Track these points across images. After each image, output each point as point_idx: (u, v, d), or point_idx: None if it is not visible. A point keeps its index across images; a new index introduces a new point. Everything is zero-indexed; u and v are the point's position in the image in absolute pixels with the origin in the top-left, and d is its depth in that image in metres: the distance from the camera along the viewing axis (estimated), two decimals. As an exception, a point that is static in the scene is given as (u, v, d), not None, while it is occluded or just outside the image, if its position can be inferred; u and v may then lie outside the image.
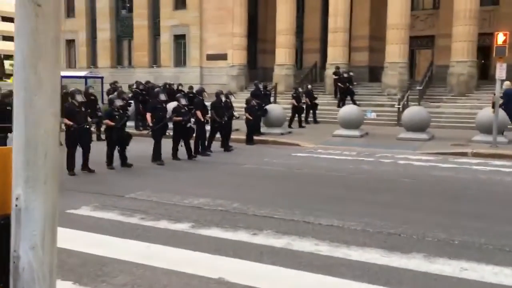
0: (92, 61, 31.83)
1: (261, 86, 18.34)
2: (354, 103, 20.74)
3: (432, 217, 6.70)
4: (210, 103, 13.06)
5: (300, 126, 18.65)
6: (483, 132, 14.14)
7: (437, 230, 6.05)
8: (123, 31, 30.95)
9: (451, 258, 5.07)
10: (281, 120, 16.61)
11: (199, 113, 12.16)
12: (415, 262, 4.97)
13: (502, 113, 13.87)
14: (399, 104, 19.23)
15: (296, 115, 18.86)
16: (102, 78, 23.34)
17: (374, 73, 24.69)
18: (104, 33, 30.97)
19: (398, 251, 5.29)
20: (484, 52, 24.03)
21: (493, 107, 13.42)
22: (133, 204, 7.36)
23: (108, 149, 10.38)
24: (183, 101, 11.79)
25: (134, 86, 18.40)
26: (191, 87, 19.42)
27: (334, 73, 22.36)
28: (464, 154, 12.56)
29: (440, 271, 4.73)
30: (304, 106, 19.37)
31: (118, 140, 10.27)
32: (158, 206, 7.25)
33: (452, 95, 21.24)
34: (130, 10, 30.25)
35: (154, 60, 29.98)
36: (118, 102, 10.63)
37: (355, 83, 22.04)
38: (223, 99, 13.29)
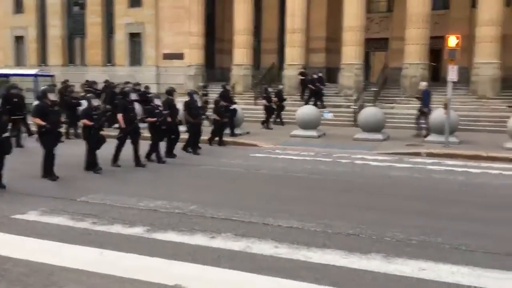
0: (43, 59, 30.61)
1: (228, 87, 17.86)
2: (323, 105, 20.92)
3: (390, 217, 6.74)
4: (182, 103, 12.61)
5: (268, 127, 18.52)
6: (436, 132, 14.51)
7: (395, 230, 6.07)
8: (75, 28, 29.91)
9: (410, 258, 5.09)
10: (240, 121, 16.47)
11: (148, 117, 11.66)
12: (375, 263, 4.95)
13: (454, 114, 14.28)
14: (355, 105, 19.50)
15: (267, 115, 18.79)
16: (53, 76, 22.47)
17: (331, 74, 24.96)
18: (55, 30, 29.86)
19: (357, 252, 5.26)
20: (435, 55, 24.79)
21: (445, 108, 13.79)
22: (85, 207, 7.02)
23: (89, 151, 9.77)
24: (157, 101, 11.29)
25: (87, 86, 17.79)
26: (147, 87, 18.99)
27: (301, 74, 22.37)
28: (418, 154, 12.83)
29: (399, 272, 4.73)
30: (275, 107, 19.26)
31: (97, 141, 9.68)
32: (111, 210, 6.94)
33: (406, 96, 21.74)
34: (83, 7, 29.30)
35: (108, 58, 29.15)
36: (95, 102, 9.97)
37: (326, 84, 22.02)
38: (196, 98, 12.96)
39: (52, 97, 9.36)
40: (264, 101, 18.68)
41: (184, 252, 5.21)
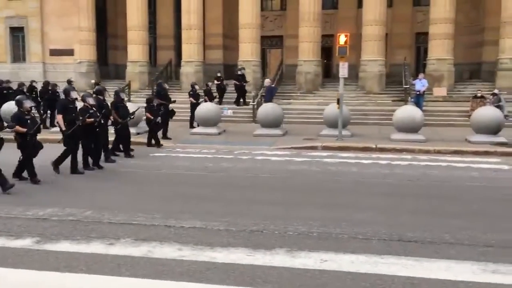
0: None
1: (166, 85, 16.66)
2: (245, 102, 20.78)
3: (291, 211, 6.86)
4: (110, 103, 11.47)
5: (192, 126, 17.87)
6: (330, 126, 15.18)
7: (297, 223, 6.19)
8: None
9: (312, 251, 5.20)
10: (138, 120, 15.83)
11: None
12: (279, 258, 4.98)
13: (345, 109, 15.03)
14: (253, 101, 19.77)
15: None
16: None
17: (228, 71, 25.10)
18: None
19: (262, 248, 5.26)
20: (327, 52, 26.01)
21: (338, 103, 14.46)
22: (-39, 221, 6.26)
23: (25, 159, 8.66)
24: (91, 101, 10.10)
25: None
26: (46, 83, 17.71)
27: (216, 79, 21.43)
28: (315, 148, 13.32)
29: (303, 265, 4.80)
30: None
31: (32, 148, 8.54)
32: (-7, 221, 6.26)
33: (301, 92, 22.54)
34: (-46, -3, 26.41)
35: (-13, 54, 26.64)
36: (28, 104, 8.60)
37: (248, 81, 21.75)
38: (123, 97, 12.04)
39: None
40: (191, 99, 17.74)
41: (79, 263, 4.83)
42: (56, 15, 25.33)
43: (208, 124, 15.81)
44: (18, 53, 26.20)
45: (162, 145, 13.49)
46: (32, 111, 8.82)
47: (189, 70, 23.53)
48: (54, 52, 25.54)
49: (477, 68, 23.44)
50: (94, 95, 10.90)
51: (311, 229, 5.96)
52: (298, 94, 22.41)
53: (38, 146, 8.68)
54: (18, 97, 9.00)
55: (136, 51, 24.12)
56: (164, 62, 26.14)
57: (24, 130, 8.29)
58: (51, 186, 8.56)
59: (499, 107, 16.60)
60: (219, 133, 15.88)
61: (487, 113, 14.05)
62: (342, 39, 14.61)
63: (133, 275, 4.55)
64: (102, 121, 10.45)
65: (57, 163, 9.56)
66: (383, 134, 15.10)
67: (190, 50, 23.52)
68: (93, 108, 10.07)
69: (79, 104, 10.20)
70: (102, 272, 4.60)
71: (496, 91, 18.91)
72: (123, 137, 11.77)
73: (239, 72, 21.47)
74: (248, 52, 22.78)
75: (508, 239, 5.60)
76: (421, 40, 25.09)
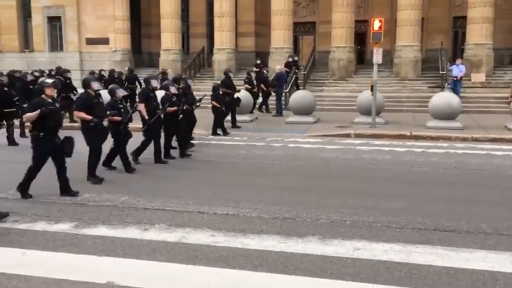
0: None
1: (231, 74, 16.03)
2: (298, 88, 20.67)
3: (324, 199, 6.83)
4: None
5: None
6: (363, 114, 14.96)
7: (330, 211, 6.15)
8: (-14, 12, 27.74)
9: (345, 239, 5.17)
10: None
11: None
12: (311, 246, 4.98)
13: (379, 95, 14.77)
14: (286, 89, 19.63)
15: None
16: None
17: (261, 59, 24.97)
18: (-36, 13, 27.53)
19: (294, 236, 5.26)
20: (360, 38, 25.54)
21: (372, 90, 14.22)
22: (4, 205, 6.50)
23: (116, 149, 8.58)
24: (173, 89, 9.77)
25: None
26: (112, 71, 18.29)
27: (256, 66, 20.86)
28: (347, 136, 13.17)
29: (335, 253, 4.78)
30: (260, 93, 18.53)
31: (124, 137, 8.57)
32: (34, 206, 6.48)
33: (334, 79, 22.26)
34: (-6, -11, 27.19)
35: (26, 44, 27.37)
36: (120, 93, 8.59)
37: (301, 67, 21.57)
38: (190, 84, 11.63)
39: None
40: (246, 86, 17.78)
41: (115, 247, 4.96)
42: (91, 4, 25.72)
43: (240, 111, 15.78)
44: (56, 42, 26.78)
45: (229, 133, 13.39)
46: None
47: (221, 58, 23.55)
48: (90, 41, 25.99)
49: (517, 53, 22.58)
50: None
51: (343, 217, 5.92)
52: (331, 81, 22.14)
53: (128, 135, 8.64)
54: (111, 86, 8.92)
55: (169, 39, 24.30)
56: (196, 50, 26.25)
57: (119, 118, 8.30)
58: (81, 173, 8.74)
59: (541, 93, 15.98)
60: (251, 120, 15.90)
61: (528, 99, 13.52)
62: (376, 24, 14.32)
63: (168, 260, 4.64)
64: (185, 108, 10.27)
65: (137, 154, 9.39)
66: (419, 122, 14.78)
67: (222, 37, 23.52)
68: (175, 96, 9.80)
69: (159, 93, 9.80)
70: (138, 257, 4.70)
71: (538, 76, 18.20)
72: (190, 124, 11.35)
73: (290, 59, 20.95)
74: (280, 39, 22.61)
75: (549, 230, 5.42)
76: (459, 24, 24.30)
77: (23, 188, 6.89)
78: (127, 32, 25.47)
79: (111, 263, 4.58)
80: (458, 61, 19.25)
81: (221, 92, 13.24)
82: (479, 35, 20.43)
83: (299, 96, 15.77)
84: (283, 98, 18.00)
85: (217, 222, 5.77)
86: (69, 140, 6.91)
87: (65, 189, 7.00)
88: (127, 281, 4.16)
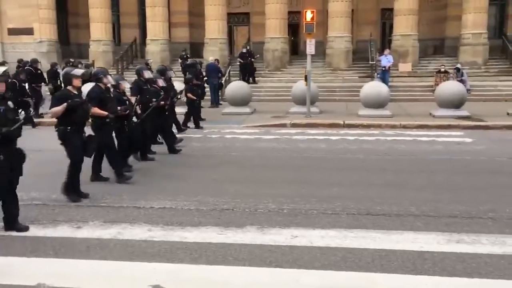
0: None
1: (198, 67, 15.44)
2: (254, 80, 20.36)
3: (262, 188, 6.88)
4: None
5: None
6: (298, 103, 15.22)
7: (267, 200, 6.22)
8: None
9: (283, 227, 5.24)
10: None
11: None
12: (250, 236, 5.01)
13: (313, 86, 15.07)
14: (221, 80, 19.57)
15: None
16: None
17: (195, 49, 24.72)
18: None
19: (233, 226, 5.27)
20: (294, 29, 25.91)
21: (306, 80, 14.48)
22: None
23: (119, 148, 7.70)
24: (161, 83, 9.30)
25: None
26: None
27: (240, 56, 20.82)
28: (283, 125, 13.35)
29: (274, 241, 4.84)
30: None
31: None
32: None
33: (269, 70, 22.47)
34: None
35: None
36: (125, 84, 8.01)
37: (256, 56, 21.41)
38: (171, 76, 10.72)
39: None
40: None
41: (46, 247, 4.73)
42: (13, -8, 24.28)
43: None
44: (-26, 33, 25.08)
45: (202, 127, 12.83)
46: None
47: (155, 49, 23.07)
48: (13, 31, 24.54)
49: (440, 43, 23.85)
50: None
51: (281, 206, 6.00)
52: (266, 72, 22.32)
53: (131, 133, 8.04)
54: (115, 77, 8.12)
55: (99, 29, 23.45)
56: (128, 41, 25.48)
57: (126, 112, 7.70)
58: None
59: (462, 81, 17.01)
60: (187, 112, 15.68)
61: (450, 87, 14.34)
62: (308, 15, 14.55)
63: (103, 258, 4.49)
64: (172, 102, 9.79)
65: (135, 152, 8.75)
66: (351, 110, 15.26)
67: (155, 28, 23.02)
68: (162, 90, 9.26)
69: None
70: (70, 256, 4.52)
71: (458, 65, 19.34)
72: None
73: (244, 50, 20.89)
74: (214, 29, 22.48)
75: (471, 210, 5.79)
76: (386, 16, 25.28)
77: (68, 189, 6.37)
78: (53, 22, 24.30)
79: (42, 263, 4.37)
80: (386, 51, 20.04)
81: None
82: (405, 27, 21.36)
83: (235, 87, 15.78)
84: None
85: (154, 217, 5.66)
86: (92, 139, 6.49)
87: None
88: (59, 281, 3.98)
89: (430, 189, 6.80)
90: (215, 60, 18.69)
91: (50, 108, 6.22)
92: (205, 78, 17.18)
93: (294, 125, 13.31)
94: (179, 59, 20.27)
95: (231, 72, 20.81)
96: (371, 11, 25.56)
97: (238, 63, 20.94)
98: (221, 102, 17.88)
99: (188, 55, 21.04)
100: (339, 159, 9.07)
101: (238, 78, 19.81)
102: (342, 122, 13.34)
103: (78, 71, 6.57)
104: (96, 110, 6.98)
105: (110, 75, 7.61)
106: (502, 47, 22.13)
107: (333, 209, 5.88)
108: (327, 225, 5.29)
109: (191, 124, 12.72)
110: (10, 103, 5.16)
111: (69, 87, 6.31)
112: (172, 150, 9.60)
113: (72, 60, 18.62)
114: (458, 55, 21.41)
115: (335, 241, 4.82)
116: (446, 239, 4.84)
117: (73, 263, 4.38)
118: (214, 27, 22.45)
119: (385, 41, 25.09)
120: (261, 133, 12.24)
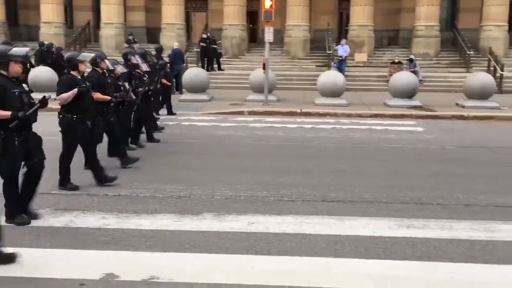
0: None
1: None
2: (219, 67, 20.04)
3: (218, 176, 6.86)
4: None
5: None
6: (256, 91, 15.23)
7: (224, 188, 6.21)
8: None
9: (239, 214, 5.26)
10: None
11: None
12: (206, 223, 4.99)
13: (271, 74, 15.10)
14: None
15: None
16: None
17: (152, 34, 24.23)
18: None
19: (189, 214, 5.24)
20: (252, 17, 25.81)
21: (264, 68, 14.50)
22: None
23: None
24: (145, 67, 9.00)
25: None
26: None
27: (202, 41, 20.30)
28: (241, 113, 13.34)
29: (230, 228, 4.85)
30: None
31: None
32: None
33: (227, 57, 22.34)
34: None
35: None
36: (120, 68, 7.82)
37: (218, 42, 20.97)
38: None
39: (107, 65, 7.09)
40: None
41: (-7, 237, 4.53)
42: (-45, -32, 22.94)
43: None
44: None
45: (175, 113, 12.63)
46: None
47: (109, 33, 22.46)
48: (-44, 11, 23.25)
49: (395, 34, 24.39)
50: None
51: (238, 193, 6.01)
52: (224, 59, 22.17)
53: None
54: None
55: (50, 10, 22.56)
56: (81, 24, 24.65)
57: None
58: None
59: (414, 72, 17.49)
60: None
61: (403, 78, 14.74)
62: (267, 2, 14.53)
63: (53, 246, 4.36)
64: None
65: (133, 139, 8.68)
66: (308, 99, 15.42)
67: (110, 11, 22.38)
68: (146, 75, 8.99)
69: None
70: (20, 245, 4.35)
71: (412, 57, 19.87)
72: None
73: (204, 36, 20.27)
74: (171, 14, 22.10)
75: (421, 196, 6.00)
76: (343, 6, 25.56)
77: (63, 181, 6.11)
78: (1, 2, 23.15)
79: (-11, 254, 4.19)
80: (343, 41, 20.34)
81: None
82: (361, 17, 21.72)
83: (192, 74, 15.60)
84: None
85: (108, 204, 5.54)
86: (99, 124, 6.29)
87: (101, 177, 6.26)
88: (7, 271, 3.84)
89: (383, 177, 6.99)
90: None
91: (57, 95, 5.90)
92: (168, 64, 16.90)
93: (251, 113, 13.32)
94: (126, 44, 19.32)
95: (188, 58, 20.52)
96: (329, 1, 25.81)
97: (199, 49, 20.56)
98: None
99: (136, 40, 20.24)
100: (296, 146, 9.17)
101: (196, 65, 19.55)
102: (299, 110, 13.46)
103: (85, 56, 6.33)
104: (99, 96, 6.74)
105: (108, 59, 7.39)
106: (453, 40, 22.89)
107: (290, 196, 5.94)
108: (284, 212, 5.35)
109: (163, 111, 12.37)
110: (25, 85, 4.93)
111: (73, 72, 6.02)
112: (150, 138, 9.34)
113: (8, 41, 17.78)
114: (411, 47, 21.99)
115: (291, 227, 4.88)
116: (397, 225, 4.99)
117: (22, 251, 4.22)
118: (171, 12, 22.07)
119: (342, 30, 25.42)
120: (219, 120, 12.18)
